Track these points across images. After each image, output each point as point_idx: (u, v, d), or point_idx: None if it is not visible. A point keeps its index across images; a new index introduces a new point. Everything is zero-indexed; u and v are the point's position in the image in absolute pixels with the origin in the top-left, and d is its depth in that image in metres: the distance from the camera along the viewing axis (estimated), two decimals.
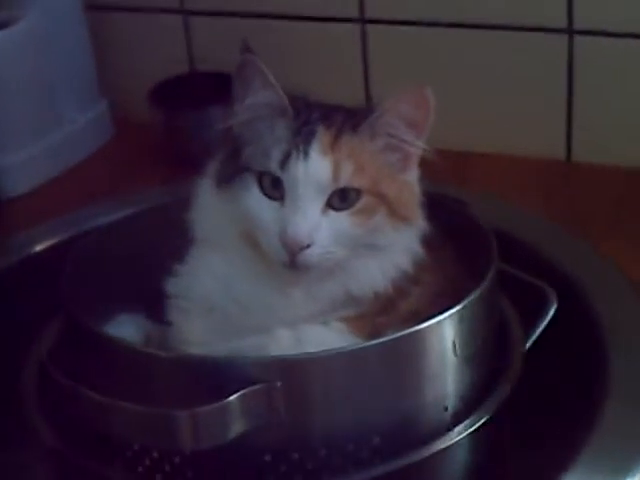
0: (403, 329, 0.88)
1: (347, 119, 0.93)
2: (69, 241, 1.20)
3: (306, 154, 0.90)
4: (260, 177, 0.92)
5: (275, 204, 0.91)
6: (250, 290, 0.94)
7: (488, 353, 0.94)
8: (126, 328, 1.01)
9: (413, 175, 0.96)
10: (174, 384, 0.86)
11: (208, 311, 0.95)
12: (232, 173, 0.94)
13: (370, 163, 0.92)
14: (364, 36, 1.49)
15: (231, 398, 0.81)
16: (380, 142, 0.93)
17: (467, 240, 1.00)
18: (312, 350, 0.87)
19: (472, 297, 0.90)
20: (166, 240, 0.99)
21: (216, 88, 1.32)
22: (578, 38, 1.36)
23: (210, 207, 0.97)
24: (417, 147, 0.93)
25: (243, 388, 0.81)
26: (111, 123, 1.60)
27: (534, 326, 1.00)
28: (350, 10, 1.47)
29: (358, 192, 0.90)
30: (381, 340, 0.86)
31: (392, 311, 0.93)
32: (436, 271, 0.97)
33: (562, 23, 1.37)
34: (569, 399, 1.01)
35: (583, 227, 1.21)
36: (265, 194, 0.91)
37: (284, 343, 0.89)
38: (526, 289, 1.03)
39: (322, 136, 0.91)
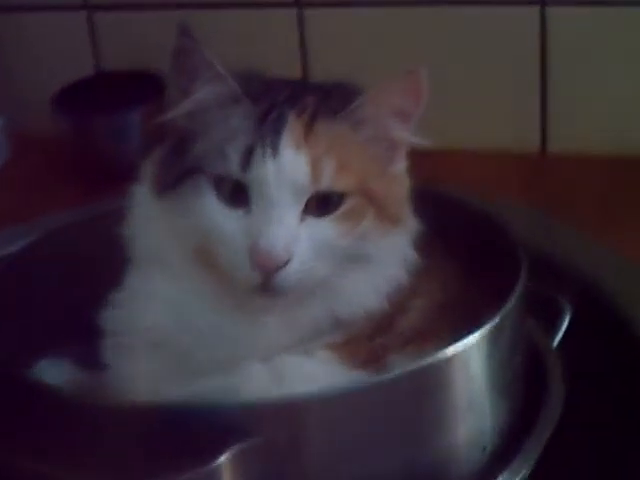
0: (406, 351, 0.77)
1: (321, 101, 0.80)
2: None
3: (275, 149, 0.76)
4: (217, 181, 0.78)
5: (238, 213, 0.77)
6: (209, 320, 0.80)
7: (522, 379, 0.83)
8: (48, 376, 0.85)
9: (401, 167, 0.83)
10: (135, 444, 0.69)
11: (155, 347, 0.81)
12: (177, 176, 0.80)
13: (355, 157, 0.78)
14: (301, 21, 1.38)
15: (220, 460, 0.65)
16: (365, 132, 0.79)
17: (479, 249, 0.89)
18: (295, 388, 0.74)
19: (504, 312, 0.76)
20: (94, 264, 0.89)
21: (128, 89, 1.30)
22: (550, 11, 1.28)
23: (150, 220, 0.83)
24: (405, 136, 0.81)
25: (232, 444, 0.65)
26: (7, 142, 1.44)
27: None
28: None
29: (342, 193, 0.77)
30: (404, 371, 0.72)
31: (390, 330, 0.80)
32: (436, 279, 0.84)
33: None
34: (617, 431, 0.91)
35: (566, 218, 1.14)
36: (224, 201, 0.78)
37: (259, 382, 0.75)
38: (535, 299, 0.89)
39: (293, 125, 0.77)
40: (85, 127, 1.33)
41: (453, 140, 1.29)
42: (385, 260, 0.81)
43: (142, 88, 1.32)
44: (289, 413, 0.69)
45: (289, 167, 0.76)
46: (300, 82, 0.87)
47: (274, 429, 0.68)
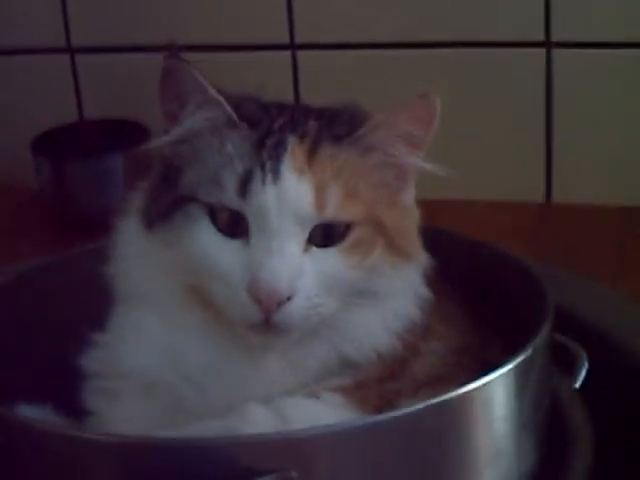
0: (419, 396, 0.72)
1: (324, 125, 0.75)
2: None
3: (276, 174, 0.71)
4: (211, 210, 0.72)
5: (236, 244, 0.72)
6: (203, 361, 0.75)
7: (546, 423, 0.77)
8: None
9: (410, 197, 0.78)
10: None
11: (144, 391, 0.75)
12: (167, 207, 0.75)
13: (363, 185, 0.73)
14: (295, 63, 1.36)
15: None
16: (374, 158, 0.75)
17: (495, 292, 0.85)
18: None
19: (534, 345, 0.72)
20: (74, 304, 0.85)
21: (110, 136, 1.29)
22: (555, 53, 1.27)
23: (138, 256, 0.78)
24: (416, 163, 0.76)
25: None
26: None
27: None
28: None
29: (349, 222, 0.72)
30: (423, 406, 0.66)
31: (403, 374, 0.75)
32: (451, 322, 0.80)
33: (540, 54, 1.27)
34: None
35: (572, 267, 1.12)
36: (220, 231, 0.72)
37: (261, 424, 0.69)
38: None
39: (295, 149, 0.72)
40: (64, 172, 1.30)
41: (455, 190, 1.25)
42: (395, 296, 0.76)
43: (124, 136, 1.29)
44: (302, 448, 0.64)
45: (291, 193, 0.70)
46: (300, 106, 0.82)
47: (298, 464, 0.63)
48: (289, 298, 0.70)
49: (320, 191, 0.71)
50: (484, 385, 0.68)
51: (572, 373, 0.84)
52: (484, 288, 0.86)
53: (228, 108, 0.74)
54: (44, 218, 1.33)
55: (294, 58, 1.35)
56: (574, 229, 1.25)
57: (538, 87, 1.29)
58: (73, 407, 0.78)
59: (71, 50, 1.41)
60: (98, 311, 0.80)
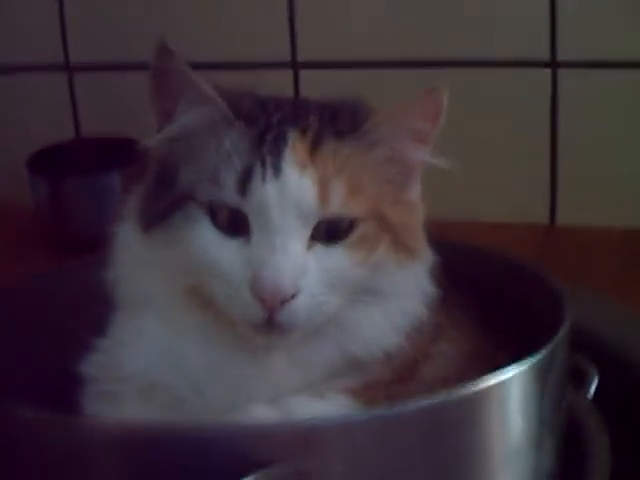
0: None
1: (326, 119, 0.73)
2: None
3: (277, 169, 0.69)
4: (211, 209, 0.70)
5: (237, 242, 0.70)
6: (205, 363, 0.72)
7: (564, 427, 0.75)
8: None
9: (416, 193, 0.76)
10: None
11: (145, 394, 0.73)
12: (165, 208, 0.72)
13: (368, 180, 0.71)
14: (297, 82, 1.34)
15: None
16: (379, 154, 0.72)
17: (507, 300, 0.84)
18: None
19: (555, 343, 0.69)
20: (73, 310, 0.83)
21: (107, 154, 1.27)
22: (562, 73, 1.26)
23: (137, 260, 0.75)
24: (421, 158, 0.74)
25: (252, 472, 0.58)
26: None
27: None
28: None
29: (353, 218, 0.70)
30: (436, 400, 0.63)
31: (412, 377, 0.73)
32: (461, 327, 0.78)
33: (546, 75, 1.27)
34: None
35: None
36: (220, 229, 0.70)
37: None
38: None
39: (297, 143, 0.70)
40: (61, 190, 1.28)
41: (459, 211, 1.25)
42: (401, 293, 0.74)
43: (121, 154, 1.27)
44: (310, 438, 0.62)
45: (293, 189, 0.68)
46: (301, 100, 0.79)
47: (295, 456, 0.61)
48: (293, 296, 0.67)
49: (323, 186, 0.69)
50: (504, 380, 0.66)
51: (582, 387, 0.83)
52: (498, 297, 0.84)
53: (222, 105, 0.72)
54: (40, 238, 1.30)
55: (296, 76, 1.33)
56: (578, 251, 1.24)
57: (543, 108, 1.27)
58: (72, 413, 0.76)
59: (69, 68, 1.40)
60: (98, 316, 0.78)
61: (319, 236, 0.69)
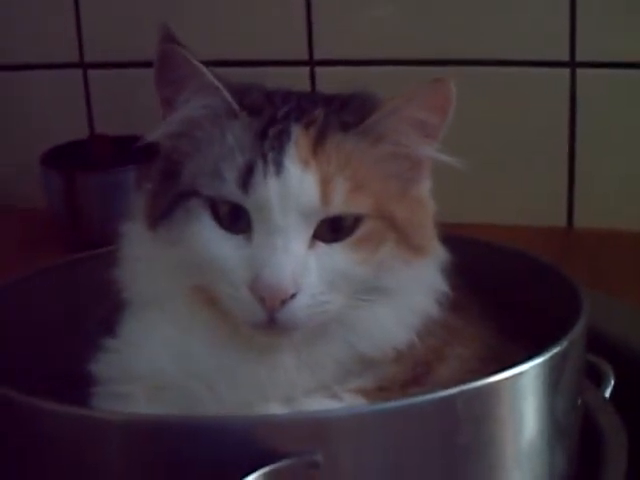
0: None
1: (331, 114, 0.71)
2: None
3: (279, 166, 0.67)
4: (213, 204, 0.69)
5: (239, 239, 0.68)
6: (216, 362, 0.71)
7: (579, 426, 0.74)
8: None
9: (425, 189, 0.74)
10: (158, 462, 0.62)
11: (155, 394, 0.72)
12: (169, 203, 0.71)
13: (372, 176, 0.69)
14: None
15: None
16: (384, 148, 0.70)
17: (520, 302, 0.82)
18: None
19: (567, 342, 0.68)
20: (82, 309, 0.82)
21: (120, 152, 1.25)
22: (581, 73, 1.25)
23: (144, 258, 0.74)
24: (429, 153, 0.72)
25: (264, 465, 0.59)
26: None
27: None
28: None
29: (357, 216, 0.68)
30: (446, 393, 0.62)
31: (427, 378, 0.71)
32: (477, 327, 0.76)
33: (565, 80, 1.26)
34: None
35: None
36: (222, 226, 0.68)
37: None
38: None
39: (300, 139, 0.68)
40: (74, 186, 1.28)
41: (476, 214, 1.26)
42: (409, 291, 0.73)
43: (135, 151, 1.25)
44: (328, 431, 0.62)
45: (295, 187, 0.67)
46: (307, 94, 0.78)
47: (323, 447, 0.61)
48: (293, 296, 0.66)
49: (326, 184, 0.67)
50: (518, 374, 0.66)
51: (599, 387, 0.83)
52: (515, 292, 0.84)
53: (227, 94, 0.70)
54: (54, 234, 1.31)
55: (312, 74, 1.33)
56: (595, 253, 1.23)
57: (562, 109, 1.26)
58: None
59: (84, 65, 1.40)
60: (106, 315, 0.77)
61: (322, 234, 0.68)
